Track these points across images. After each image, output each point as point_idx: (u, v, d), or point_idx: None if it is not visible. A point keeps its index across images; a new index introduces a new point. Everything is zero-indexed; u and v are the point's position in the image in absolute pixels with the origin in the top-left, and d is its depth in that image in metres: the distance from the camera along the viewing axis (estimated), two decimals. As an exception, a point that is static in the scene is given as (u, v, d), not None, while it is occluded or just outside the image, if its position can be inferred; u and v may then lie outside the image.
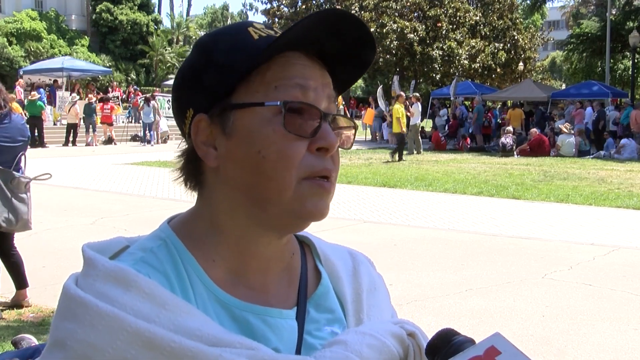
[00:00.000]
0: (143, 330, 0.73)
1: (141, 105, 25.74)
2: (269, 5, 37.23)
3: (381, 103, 23.91)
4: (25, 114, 21.93)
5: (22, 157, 4.88)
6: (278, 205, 0.83)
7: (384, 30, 31.67)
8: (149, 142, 23.83)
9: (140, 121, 25.01)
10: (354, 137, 0.92)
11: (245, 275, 0.88)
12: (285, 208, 0.83)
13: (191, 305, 0.79)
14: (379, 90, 23.99)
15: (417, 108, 19.95)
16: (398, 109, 17.82)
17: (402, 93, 19.59)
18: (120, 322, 0.74)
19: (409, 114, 20.40)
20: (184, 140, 0.91)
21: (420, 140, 21.07)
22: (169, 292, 0.78)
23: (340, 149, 0.88)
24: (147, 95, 26.97)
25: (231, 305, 0.84)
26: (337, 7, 33.72)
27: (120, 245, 0.88)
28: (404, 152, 18.79)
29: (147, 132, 24.22)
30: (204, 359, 0.74)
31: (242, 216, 0.86)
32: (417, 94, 22.15)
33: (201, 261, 0.85)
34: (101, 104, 24.55)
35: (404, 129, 18.05)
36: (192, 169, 0.89)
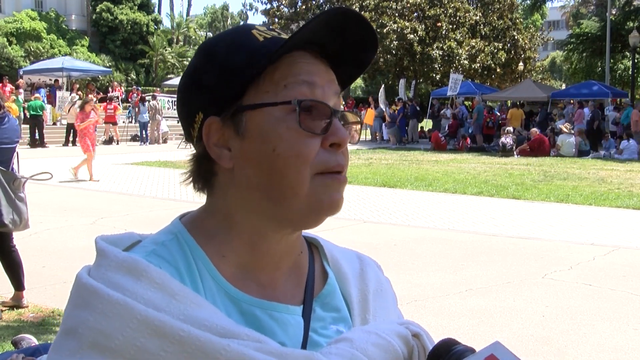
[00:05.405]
0: (153, 318, 0.75)
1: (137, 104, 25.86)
2: (268, 6, 37.20)
3: (382, 103, 23.91)
4: (25, 114, 22.00)
5: (15, 157, 4.94)
6: (294, 201, 0.84)
7: (384, 31, 31.68)
8: (144, 141, 24.00)
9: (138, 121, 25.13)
10: (360, 132, 0.94)
11: (255, 271, 0.89)
12: (302, 203, 0.84)
13: (200, 297, 0.80)
14: (381, 90, 23.96)
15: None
16: None
17: None
18: (130, 310, 0.75)
19: None
20: (184, 141, 0.92)
21: None
22: (179, 282, 0.80)
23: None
24: (145, 95, 26.99)
25: (240, 300, 0.86)
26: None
27: (133, 239, 0.90)
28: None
29: (143, 131, 24.35)
30: (212, 349, 0.75)
31: (256, 214, 0.87)
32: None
33: (212, 256, 0.87)
34: (105, 103, 24.56)
35: None
36: (204, 172, 0.90)
